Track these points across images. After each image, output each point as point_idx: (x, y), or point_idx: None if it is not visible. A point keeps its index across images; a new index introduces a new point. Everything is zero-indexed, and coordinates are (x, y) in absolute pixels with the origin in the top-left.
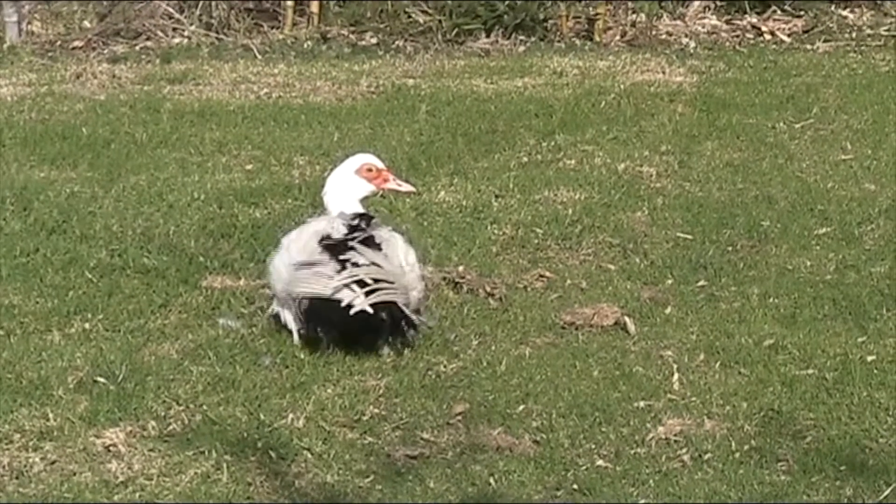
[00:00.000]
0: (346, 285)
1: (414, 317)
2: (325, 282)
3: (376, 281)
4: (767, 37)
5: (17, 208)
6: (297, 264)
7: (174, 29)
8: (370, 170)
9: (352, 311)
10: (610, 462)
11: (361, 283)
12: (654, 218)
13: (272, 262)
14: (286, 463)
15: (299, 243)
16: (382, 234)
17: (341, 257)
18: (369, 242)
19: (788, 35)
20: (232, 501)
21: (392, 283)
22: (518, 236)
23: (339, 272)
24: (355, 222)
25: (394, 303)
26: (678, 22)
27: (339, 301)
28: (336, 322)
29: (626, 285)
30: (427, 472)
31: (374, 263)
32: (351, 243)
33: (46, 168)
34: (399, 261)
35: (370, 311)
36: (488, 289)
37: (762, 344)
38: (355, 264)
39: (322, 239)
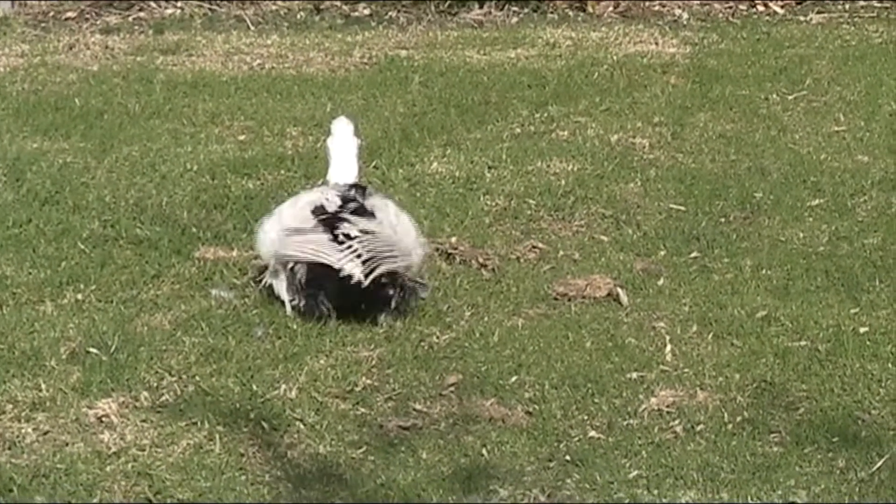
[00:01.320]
0: (347, 259)
1: (413, 283)
2: (321, 249)
3: (373, 252)
4: (760, 8)
5: (10, 179)
6: (288, 230)
7: (167, 0)
8: None
9: (353, 280)
10: (602, 433)
11: (359, 256)
12: (647, 189)
13: (261, 226)
14: (278, 434)
15: (292, 211)
16: (375, 201)
17: (335, 230)
18: (362, 211)
19: (781, 6)
20: (224, 472)
21: (390, 249)
22: (511, 207)
23: (332, 241)
24: (350, 193)
25: (394, 272)
26: None
27: (340, 272)
28: (336, 293)
29: (618, 256)
30: (419, 442)
31: (366, 231)
32: (342, 214)
33: (39, 139)
34: (392, 224)
35: (365, 282)
36: (481, 260)
37: (755, 315)
38: (347, 236)
39: (315, 209)
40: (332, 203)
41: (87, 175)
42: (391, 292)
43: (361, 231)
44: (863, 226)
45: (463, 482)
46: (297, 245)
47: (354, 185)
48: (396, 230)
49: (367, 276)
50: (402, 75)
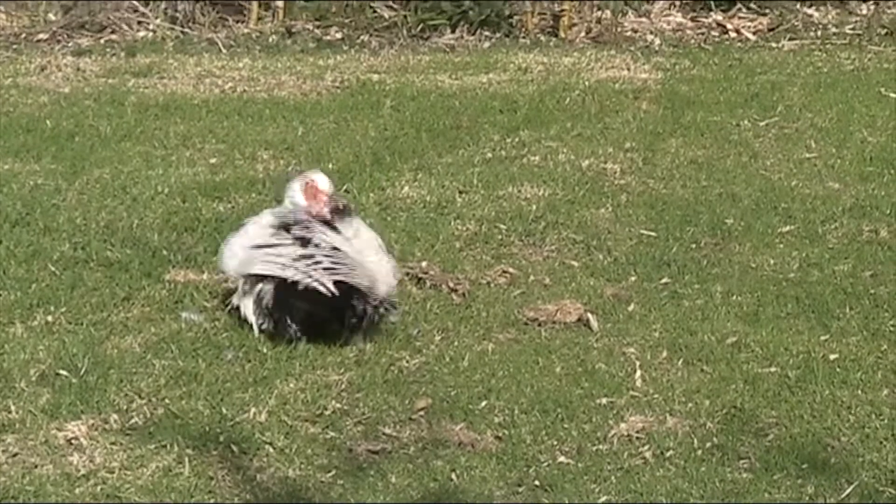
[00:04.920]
0: (306, 271)
1: (378, 302)
2: (284, 262)
3: (337, 263)
4: (732, 34)
5: None
6: (254, 246)
7: (139, 22)
8: (310, 188)
9: (300, 286)
10: (572, 458)
11: (321, 264)
12: (618, 215)
13: (227, 241)
14: (248, 457)
15: (258, 226)
16: (351, 222)
17: (300, 236)
18: (333, 228)
19: (753, 33)
20: (193, 495)
21: (353, 267)
22: (482, 232)
23: (299, 255)
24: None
25: (357, 288)
26: (643, 19)
27: (299, 284)
28: (304, 314)
29: (589, 282)
30: (389, 467)
31: (334, 247)
32: (310, 225)
33: (10, 160)
34: (363, 248)
35: (334, 290)
36: (451, 284)
37: (725, 341)
38: (317, 245)
39: (283, 225)
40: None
41: (57, 197)
42: (360, 308)
43: (329, 245)
44: (833, 252)
45: None
46: (263, 259)
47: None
48: (369, 257)
49: (334, 283)
50: (374, 99)
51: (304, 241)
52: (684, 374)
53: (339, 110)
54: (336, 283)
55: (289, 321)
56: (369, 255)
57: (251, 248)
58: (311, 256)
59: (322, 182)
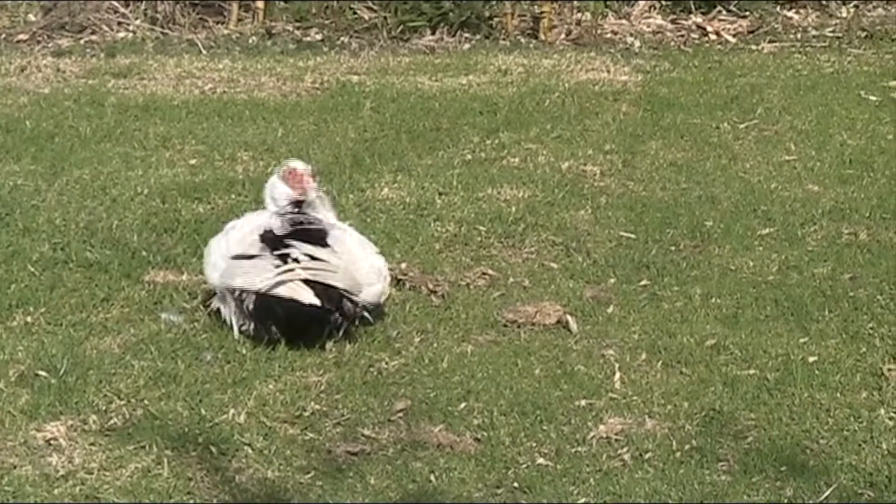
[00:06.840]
0: (283, 281)
1: (357, 299)
2: (264, 275)
3: (316, 269)
4: (712, 37)
5: None
6: (234, 256)
7: (119, 23)
8: (291, 175)
9: (275, 293)
10: (551, 460)
11: (302, 277)
12: (598, 217)
13: (209, 246)
14: (227, 458)
15: (238, 234)
16: (334, 232)
17: (279, 252)
18: (313, 238)
19: (733, 35)
20: (172, 496)
21: (333, 270)
22: (461, 234)
23: (277, 267)
24: (299, 217)
25: (333, 287)
26: (623, 21)
27: (280, 297)
28: (281, 317)
29: (568, 284)
30: (368, 468)
31: (312, 257)
32: (287, 240)
33: None
34: (349, 254)
35: (314, 302)
36: (431, 286)
37: (704, 344)
38: (296, 260)
39: (263, 234)
40: (283, 229)
41: (37, 198)
42: (338, 316)
43: (307, 255)
44: (813, 255)
45: None
46: (244, 271)
47: (296, 203)
48: (354, 261)
49: (315, 295)
50: (354, 101)
51: (284, 257)
52: (663, 377)
53: (319, 112)
54: (316, 289)
55: (271, 328)
56: (358, 260)
57: (231, 259)
58: (291, 270)
59: (300, 166)
